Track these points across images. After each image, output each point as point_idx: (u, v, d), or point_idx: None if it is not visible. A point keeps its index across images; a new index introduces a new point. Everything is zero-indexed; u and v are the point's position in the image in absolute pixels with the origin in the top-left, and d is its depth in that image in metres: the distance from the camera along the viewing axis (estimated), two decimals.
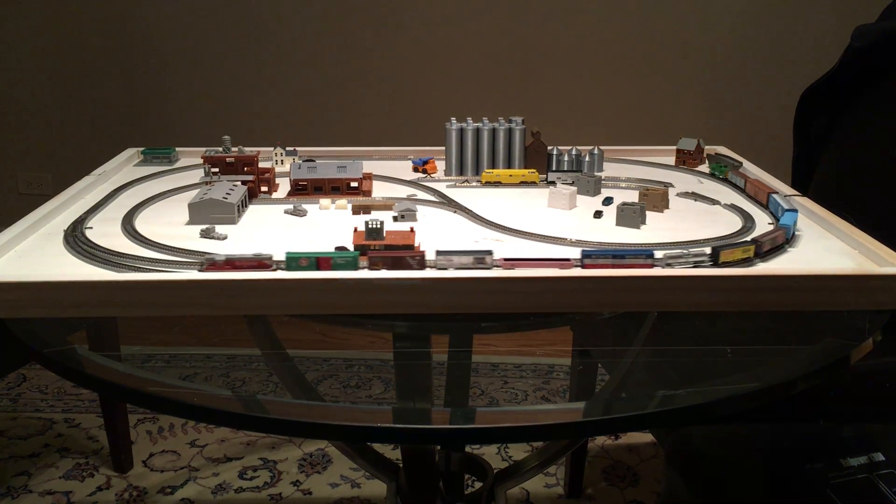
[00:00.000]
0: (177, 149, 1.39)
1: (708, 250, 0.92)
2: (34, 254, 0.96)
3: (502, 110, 1.49)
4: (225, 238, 1.01)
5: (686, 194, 1.21)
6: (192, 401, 0.78)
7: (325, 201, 1.15)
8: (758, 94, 2.64)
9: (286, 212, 1.12)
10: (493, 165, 1.30)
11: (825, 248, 1.00)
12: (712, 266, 0.91)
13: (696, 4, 2.58)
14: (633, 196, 1.16)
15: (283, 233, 1.05)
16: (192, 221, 1.06)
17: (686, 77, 2.66)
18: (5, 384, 2.20)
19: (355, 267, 0.88)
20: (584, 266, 0.89)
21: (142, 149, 1.40)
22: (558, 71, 2.68)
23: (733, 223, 1.08)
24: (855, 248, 0.99)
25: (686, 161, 1.37)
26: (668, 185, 1.24)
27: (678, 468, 1.17)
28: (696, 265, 0.90)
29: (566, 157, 1.31)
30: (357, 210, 1.12)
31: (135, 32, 2.77)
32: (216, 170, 1.19)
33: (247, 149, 1.24)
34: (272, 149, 1.36)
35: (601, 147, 1.35)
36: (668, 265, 0.90)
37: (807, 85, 1.54)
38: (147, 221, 1.07)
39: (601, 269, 0.90)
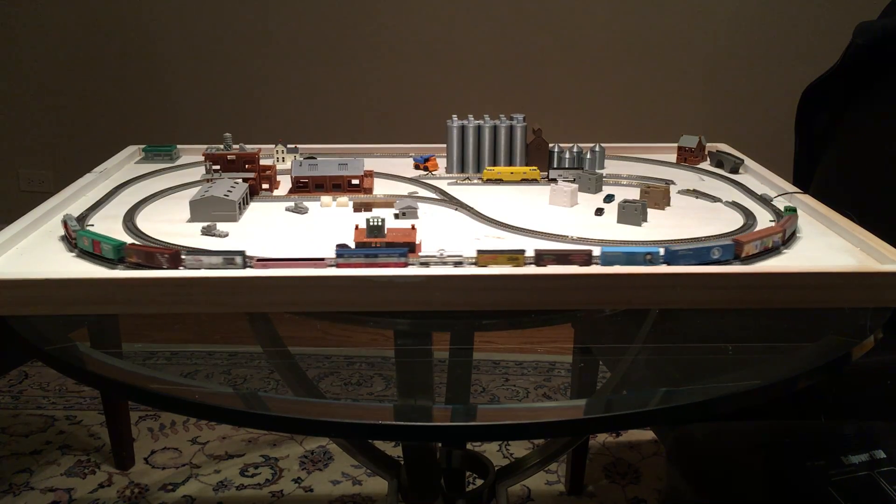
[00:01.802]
0: (178, 146, 1.39)
1: (468, 252, 0.91)
2: (35, 251, 0.96)
3: (504, 107, 1.49)
4: (226, 236, 1.01)
5: (687, 192, 1.21)
6: (194, 398, 0.78)
7: (326, 199, 1.15)
8: (759, 91, 2.63)
9: (287, 209, 1.12)
10: (495, 163, 1.30)
11: (827, 245, 1.00)
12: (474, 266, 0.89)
13: (698, 1, 2.58)
14: (634, 193, 1.16)
15: (284, 230, 1.05)
16: (193, 219, 1.06)
17: (688, 74, 2.65)
18: (7, 381, 2.20)
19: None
20: (338, 265, 0.88)
21: (143, 146, 1.40)
22: (560, 68, 2.68)
23: (735, 220, 1.08)
24: (856, 246, 0.99)
25: (687, 158, 1.37)
26: (669, 182, 1.24)
27: (679, 465, 1.17)
28: (457, 265, 0.89)
29: (567, 155, 1.31)
30: (358, 207, 1.12)
31: (136, 30, 2.77)
32: (217, 167, 1.19)
33: (248, 146, 1.24)
34: (273, 146, 1.36)
35: (602, 144, 1.35)
36: (424, 264, 0.89)
37: (809, 82, 1.54)
38: (148, 219, 1.07)
39: (602, 268, 0.90)
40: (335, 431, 0.89)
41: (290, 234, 1.03)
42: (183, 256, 0.88)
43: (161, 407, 0.83)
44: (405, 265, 0.88)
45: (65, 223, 0.97)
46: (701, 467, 1.14)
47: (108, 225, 1.04)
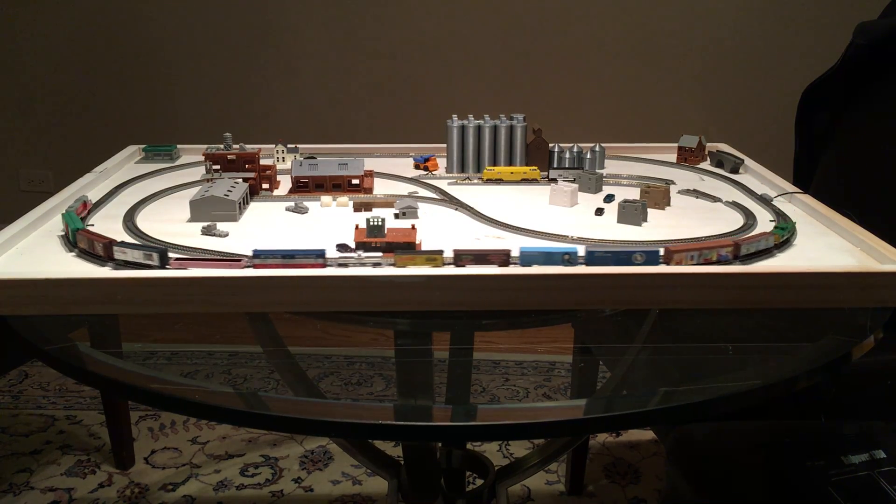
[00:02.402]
0: (178, 146, 1.39)
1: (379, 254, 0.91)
2: (36, 251, 0.96)
3: (504, 107, 1.49)
4: (226, 235, 1.01)
5: (687, 192, 1.21)
6: (194, 398, 0.78)
7: (326, 199, 1.15)
8: (759, 91, 2.63)
9: (287, 209, 1.12)
10: (495, 163, 1.30)
11: (827, 245, 1.00)
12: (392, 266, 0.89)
13: (698, 2, 2.58)
14: (634, 193, 1.16)
15: (284, 230, 1.05)
16: (193, 219, 1.06)
17: (688, 74, 2.65)
18: (7, 381, 2.21)
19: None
20: (255, 266, 0.88)
21: (143, 146, 1.40)
22: (560, 68, 2.68)
23: (735, 220, 1.08)
24: (856, 246, 0.99)
25: (687, 158, 1.37)
26: (669, 182, 1.24)
27: (679, 465, 1.17)
28: (375, 265, 0.89)
29: (567, 155, 1.31)
30: (358, 207, 1.12)
31: (136, 30, 2.77)
32: (217, 167, 1.19)
33: (248, 146, 1.24)
34: (273, 146, 1.36)
35: (602, 144, 1.35)
36: (341, 265, 0.89)
37: (809, 82, 1.54)
38: (148, 219, 1.07)
39: (602, 267, 0.90)
40: (335, 431, 0.89)
41: (290, 234, 1.03)
42: (115, 248, 0.90)
43: (161, 407, 0.83)
44: (323, 266, 0.88)
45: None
46: (701, 467, 1.14)
47: (108, 225, 1.04)
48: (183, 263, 0.88)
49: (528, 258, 0.89)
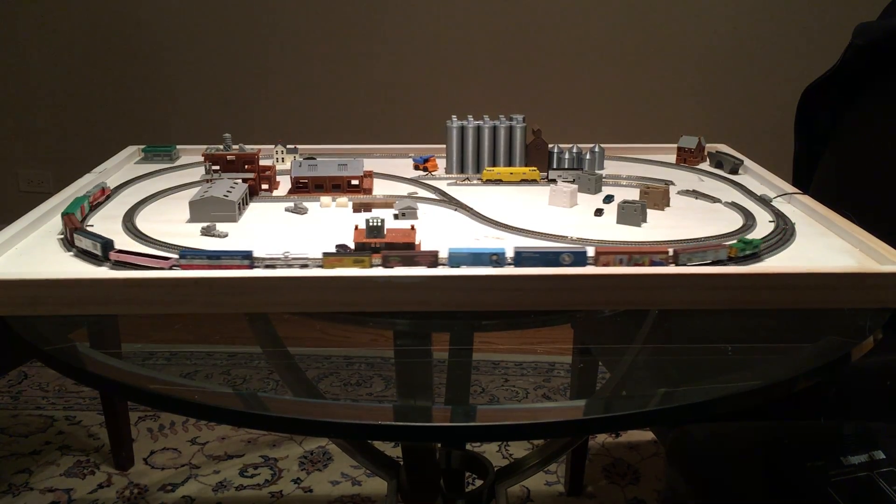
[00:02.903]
0: (177, 146, 1.39)
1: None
2: (35, 251, 0.96)
3: (503, 108, 1.49)
4: (226, 236, 1.01)
5: (687, 192, 1.21)
6: (193, 398, 0.78)
7: (325, 199, 1.15)
8: (759, 91, 2.63)
9: (287, 210, 1.12)
10: (494, 163, 1.30)
11: (826, 246, 1.00)
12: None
13: (697, 2, 2.58)
14: (633, 194, 1.16)
15: (283, 231, 1.05)
16: (192, 219, 1.06)
17: (687, 75, 2.65)
18: (6, 381, 2.20)
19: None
20: (181, 266, 0.88)
21: (142, 146, 1.40)
22: (559, 69, 2.68)
23: (734, 221, 1.08)
24: (856, 247, 0.99)
25: (687, 159, 1.37)
26: (668, 183, 1.24)
27: (679, 466, 1.17)
28: (303, 267, 0.89)
29: (567, 155, 1.31)
30: (358, 208, 1.12)
31: (136, 30, 2.77)
32: (217, 167, 1.19)
33: (248, 146, 1.24)
34: (273, 146, 1.36)
35: (602, 145, 1.35)
36: (269, 266, 0.89)
37: (808, 83, 1.54)
38: (148, 219, 1.07)
39: (601, 268, 0.90)
40: (335, 432, 0.89)
41: (289, 235, 1.03)
42: (75, 234, 0.94)
43: (160, 407, 0.83)
44: (249, 267, 0.88)
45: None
46: (700, 468, 1.14)
47: (108, 225, 1.04)
48: (121, 257, 0.89)
49: (456, 259, 0.88)
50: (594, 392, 1.16)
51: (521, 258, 0.88)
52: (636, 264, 0.89)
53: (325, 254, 0.88)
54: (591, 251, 0.90)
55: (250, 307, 0.87)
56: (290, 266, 0.89)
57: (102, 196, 1.10)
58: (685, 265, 0.90)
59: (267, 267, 0.89)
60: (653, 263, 0.89)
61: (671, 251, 0.90)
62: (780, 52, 2.60)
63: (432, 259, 0.89)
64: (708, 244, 0.96)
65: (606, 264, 0.89)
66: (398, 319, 0.89)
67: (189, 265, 0.88)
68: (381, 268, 0.89)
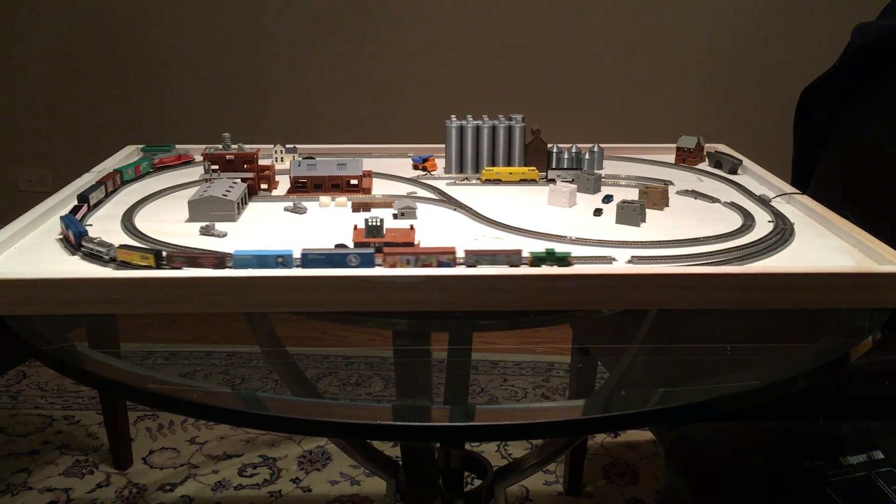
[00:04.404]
0: (176, 146, 1.39)
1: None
2: (34, 251, 0.96)
3: (502, 108, 1.49)
4: (225, 235, 1.01)
5: (686, 192, 1.21)
6: (192, 398, 0.78)
7: (324, 199, 1.15)
8: (758, 91, 2.63)
9: (286, 209, 1.12)
10: (493, 163, 1.30)
11: (825, 246, 1.00)
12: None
13: (697, 2, 2.58)
14: (632, 194, 1.16)
15: (282, 230, 1.05)
16: (191, 219, 1.06)
17: (686, 75, 2.65)
18: (5, 381, 2.20)
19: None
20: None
21: (141, 146, 1.39)
22: (558, 68, 2.68)
23: (733, 221, 1.08)
24: (855, 247, 0.99)
25: (686, 159, 1.37)
26: (667, 182, 1.24)
27: (678, 466, 1.17)
28: (99, 256, 0.90)
29: (566, 155, 1.31)
30: (357, 207, 1.12)
31: (134, 29, 2.77)
32: (216, 167, 1.19)
33: (247, 146, 1.24)
34: (272, 146, 1.36)
35: (601, 145, 1.35)
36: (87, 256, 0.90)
37: (807, 83, 1.54)
38: (147, 219, 1.07)
39: (601, 268, 0.90)
40: (333, 431, 0.89)
41: (288, 234, 1.03)
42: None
43: (159, 407, 0.83)
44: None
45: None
46: (699, 468, 1.14)
47: (107, 225, 1.04)
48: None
49: (240, 261, 0.88)
50: (593, 392, 1.16)
51: (308, 260, 0.88)
52: (423, 265, 0.88)
53: (120, 246, 0.89)
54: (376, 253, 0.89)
55: (249, 307, 0.87)
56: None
57: (178, 161, 1.12)
58: (473, 266, 0.89)
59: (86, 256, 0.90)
60: (440, 264, 0.89)
61: (461, 252, 0.90)
62: (779, 51, 2.60)
63: (216, 261, 0.88)
64: (500, 249, 0.91)
65: (393, 265, 0.88)
66: (397, 319, 0.89)
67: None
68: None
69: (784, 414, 1.21)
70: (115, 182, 1.17)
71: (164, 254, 0.89)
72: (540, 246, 0.98)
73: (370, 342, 1.00)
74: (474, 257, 0.89)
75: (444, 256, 0.89)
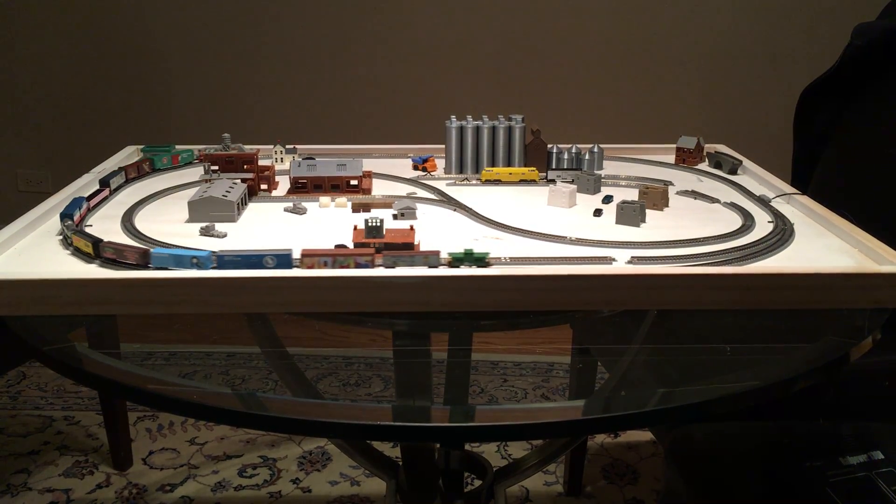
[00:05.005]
0: (176, 146, 1.39)
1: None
2: (34, 251, 0.96)
3: (502, 108, 1.49)
4: (224, 236, 1.01)
5: (686, 192, 1.21)
6: (192, 398, 0.78)
7: (324, 199, 1.15)
8: (758, 92, 2.64)
9: (286, 210, 1.12)
10: (493, 163, 1.30)
11: (825, 246, 1.00)
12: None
13: (697, 2, 2.58)
14: (632, 194, 1.16)
15: (282, 230, 1.05)
16: (191, 219, 1.06)
17: (686, 75, 2.65)
18: (5, 381, 2.20)
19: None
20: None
21: (141, 146, 1.40)
22: (558, 69, 2.68)
23: (733, 221, 1.08)
24: (855, 247, 0.99)
25: (686, 159, 1.37)
26: (667, 183, 1.24)
27: (678, 466, 1.17)
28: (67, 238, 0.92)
29: (566, 156, 1.31)
30: (357, 208, 1.12)
31: (134, 30, 2.77)
32: (216, 168, 1.19)
33: (246, 146, 1.24)
34: (272, 146, 1.36)
35: (601, 145, 1.35)
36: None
37: (807, 83, 1.54)
38: (147, 219, 1.07)
39: (601, 269, 0.90)
40: (333, 432, 0.89)
41: (288, 235, 1.03)
42: None
43: (159, 407, 0.83)
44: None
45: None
46: (699, 468, 1.14)
47: (107, 225, 1.04)
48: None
49: (158, 260, 0.88)
50: (593, 392, 1.16)
51: (224, 261, 0.88)
52: (341, 266, 0.88)
53: (74, 232, 0.90)
54: (297, 253, 0.88)
55: (249, 307, 0.87)
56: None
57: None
58: (391, 268, 0.88)
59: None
60: (357, 266, 0.88)
61: (372, 253, 0.89)
62: (779, 52, 2.60)
63: (138, 256, 0.89)
64: (418, 251, 0.92)
65: (311, 266, 0.88)
66: (397, 319, 0.89)
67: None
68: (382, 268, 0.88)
69: (784, 414, 1.21)
70: (140, 169, 1.20)
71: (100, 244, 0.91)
72: (540, 246, 0.98)
73: (370, 343, 1.00)
74: (392, 258, 0.89)
75: (362, 258, 0.88)
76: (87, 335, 0.89)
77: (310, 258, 0.88)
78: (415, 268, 0.88)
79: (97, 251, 0.91)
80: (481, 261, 0.89)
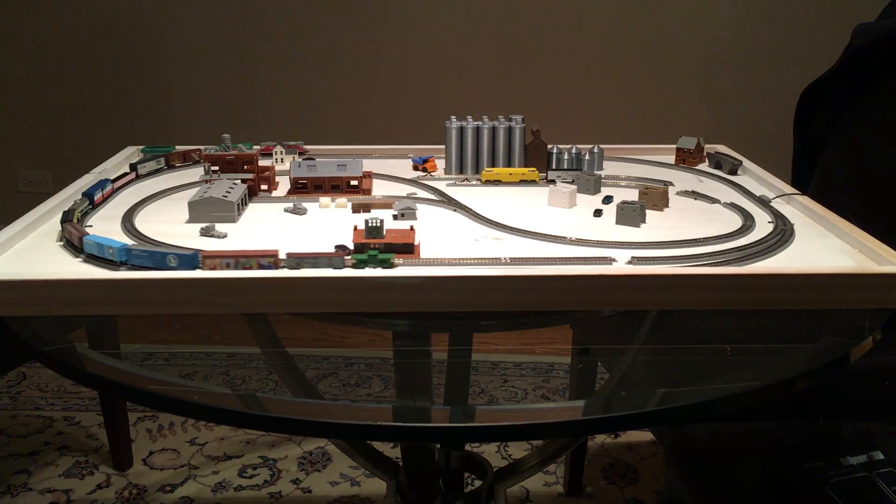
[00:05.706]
0: (176, 147, 1.39)
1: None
2: (34, 252, 0.96)
3: (502, 109, 1.49)
4: (225, 236, 1.01)
5: (686, 193, 1.21)
6: (192, 399, 0.78)
7: (324, 200, 1.15)
8: (758, 92, 2.64)
9: (286, 210, 1.12)
10: (493, 164, 1.30)
11: (825, 246, 1.00)
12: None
13: (697, 2, 2.58)
14: (632, 195, 1.16)
15: (282, 231, 1.05)
16: (191, 220, 1.06)
17: (686, 75, 2.65)
18: (5, 382, 2.20)
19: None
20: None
21: (141, 147, 1.39)
22: (558, 69, 2.68)
23: (733, 222, 1.08)
24: (855, 247, 0.99)
25: (686, 160, 1.37)
26: (668, 183, 1.24)
27: (678, 466, 1.17)
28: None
29: (566, 156, 1.31)
30: (357, 208, 1.12)
31: (135, 30, 2.77)
32: (216, 168, 1.19)
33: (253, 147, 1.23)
34: (273, 145, 1.36)
35: (601, 145, 1.35)
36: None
37: (807, 83, 1.54)
38: (147, 220, 1.07)
39: (600, 269, 0.90)
40: (333, 432, 0.89)
41: (288, 235, 1.03)
42: None
43: (159, 408, 0.83)
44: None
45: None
46: (699, 468, 1.14)
47: (107, 226, 1.04)
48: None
49: (88, 246, 0.92)
50: (593, 392, 1.16)
51: (132, 256, 0.89)
52: (244, 267, 0.88)
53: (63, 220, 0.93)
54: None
55: (249, 308, 0.87)
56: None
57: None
58: (295, 269, 0.88)
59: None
60: (260, 267, 0.88)
61: (282, 255, 0.89)
62: (779, 52, 2.60)
63: (79, 239, 0.91)
64: (322, 252, 0.90)
65: (213, 268, 0.88)
66: (397, 320, 0.89)
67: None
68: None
69: (784, 415, 1.21)
70: (188, 157, 1.28)
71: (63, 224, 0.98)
72: (540, 247, 0.98)
73: (370, 343, 1.00)
74: (296, 260, 0.89)
75: (265, 259, 0.88)
76: (87, 335, 0.89)
77: (211, 259, 0.88)
78: (319, 269, 0.88)
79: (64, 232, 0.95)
80: (385, 262, 0.89)
